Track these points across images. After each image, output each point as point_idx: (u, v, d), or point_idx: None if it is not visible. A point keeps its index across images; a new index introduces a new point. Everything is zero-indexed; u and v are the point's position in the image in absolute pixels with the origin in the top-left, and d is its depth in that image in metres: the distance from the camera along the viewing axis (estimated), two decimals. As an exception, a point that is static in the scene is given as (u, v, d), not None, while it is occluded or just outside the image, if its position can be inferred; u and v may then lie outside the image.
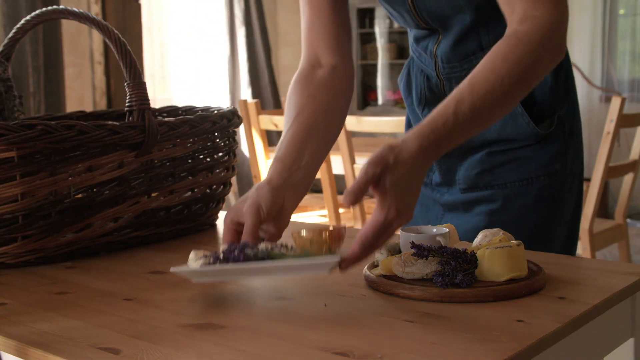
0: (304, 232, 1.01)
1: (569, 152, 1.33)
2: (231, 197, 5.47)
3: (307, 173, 1.17)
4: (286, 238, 1.03)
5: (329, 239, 0.97)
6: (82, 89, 4.59)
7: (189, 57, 5.26)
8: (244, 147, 5.41)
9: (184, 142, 1.36)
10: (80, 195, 1.24)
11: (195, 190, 1.41)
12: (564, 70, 1.32)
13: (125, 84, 1.27)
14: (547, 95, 1.30)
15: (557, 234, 1.35)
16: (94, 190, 1.25)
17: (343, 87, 1.30)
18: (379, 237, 0.95)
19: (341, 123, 1.29)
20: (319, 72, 1.29)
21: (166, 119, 1.31)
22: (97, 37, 4.67)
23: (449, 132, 0.98)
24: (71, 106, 4.46)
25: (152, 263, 1.24)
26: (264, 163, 3.63)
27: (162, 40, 5.16)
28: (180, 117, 1.34)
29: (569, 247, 1.39)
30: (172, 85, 5.16)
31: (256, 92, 5.61)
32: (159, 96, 5.10)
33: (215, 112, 1.46)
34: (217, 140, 1.44)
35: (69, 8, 1.31)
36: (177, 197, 1.38)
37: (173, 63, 5.17)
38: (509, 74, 1.02)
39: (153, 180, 1.32)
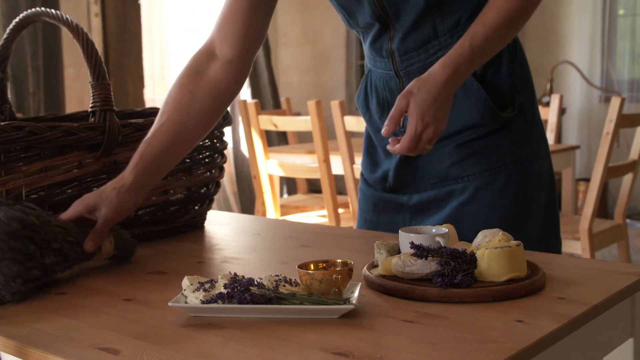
0: (311, 268, 1.00)
1: (532, 139, 1.37)
2: (231, 197, 5.47)
3: (160, 177, 1.30)
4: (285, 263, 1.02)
5: (340, 281, 0.95)
6: (82, 89, 4.59)
7: (188, 57, 5.26)
8: (243, 147, 5.41)
9: None
10: (34, 196, 1.24)
11: (171, 192, 1.41)
12: (518, 60, 1.36)
13: (90, 85, 1.27)
14: (506, 84, 1.34)
15: (529, 228, 1.37)
16: (50, 191, 1.25)
17: (230, 85, 1.35)
18: (413, 147, 1.18)
19: (213, 123, 1.36)
20: (212, 67, 1.35)
21: (132, 120, 1.31)
22: (96, 38, 4.67)
23: (466, 61, 1.19)
24: (71, 106, 4.46)
25: (151, 263, 1.24)
26: (264, 163, 3.63)
27: (161, 41, 5.16)
28: (151, 118, 1.34)
29: (550, 247, 1.40)
30: (171, 85, 5.15)
31: (256, 93, 5.61)
32: (158, 96, 5.10)
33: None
34: None
35: (45, 10, 1.34)
36: (146, 199, 1.36)
37: (173, 63, 5.17)
38: (513, 9, 1.20)
39: None
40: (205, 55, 1.36)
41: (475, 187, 1.35)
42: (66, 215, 1.20)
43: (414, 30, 1.33)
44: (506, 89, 1.34)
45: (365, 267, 1.09)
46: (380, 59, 1.40)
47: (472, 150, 1.35)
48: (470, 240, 1.18)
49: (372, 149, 1.51)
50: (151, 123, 1.32)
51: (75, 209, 1.20)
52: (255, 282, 0.95)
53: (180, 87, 1.34)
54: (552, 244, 1.42)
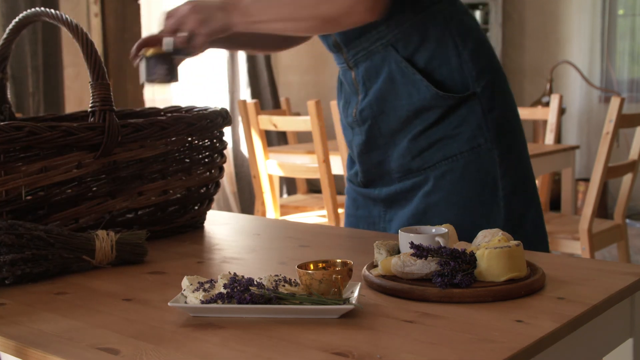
0: (311, 268, 1.00)
1: (490, 127, 1.38)
2: (231, 197, 5.47)
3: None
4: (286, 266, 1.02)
5: (339, 281, 0.95)
6: (81, 89, 4.59)
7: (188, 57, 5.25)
8: (243, 147, 5.41)
9: (153, 143, 1.36)
10: (30, 197, 1.23)
11: (170, 191, 1.41)
12: (471, 50, 1.38)
13: (90, 85, 1.27)
14: (455, 72, 1.37)
15: (497, 214, 1.38)
16: (50, 191, 1.25)
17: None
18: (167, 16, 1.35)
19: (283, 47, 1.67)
20: None
21: (132, 120, 1.31)
22: (95, 38, 4.67)
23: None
24: (70, 106, 4.46)
25: (151, 263, 1.24)
26: (263, 163, 3.63)
27: (161, 41, 5.15)
28: (151, 118, 1.34)
29: (530, 235, 1.41)
30: (171, 85, 5.14)
31: (255, 93, 5.61)
32: (158, 96, 5.09)
33: (195, 112, 1.45)
34: (196, 141, 1.44)
35: (44, 10, 1.33)
36: (145, 199, 1.37)
37: (172, 63, 5.17)
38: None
39: (117, 182, 1.32)
40: None
41: (435, 177, 1.39)
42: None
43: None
44: (456, 78, 1.37)
45: (364, 267, 1.10)
46: (335, 53, 1.48)
47: (428, 142, 1.39)
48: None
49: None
50: (151, 123, 1.32)
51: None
52: (255, 282, 0.95)
53: None
54: (534, 232, 1.43)
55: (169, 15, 1.37)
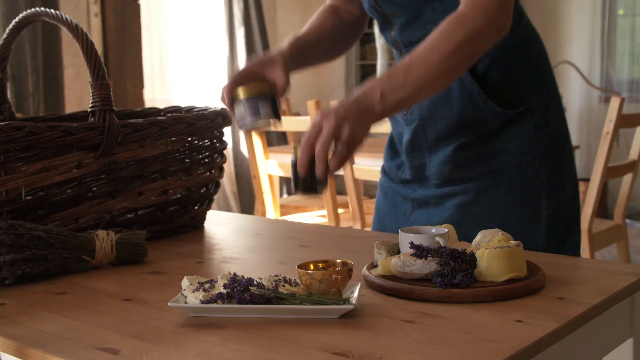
0: (311, 268, 1.00)
1: (540, 144, 1.34)
2: (230, 197, 5.47)
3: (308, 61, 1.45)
4: (285, 267, 1.03)
5: (339, 281, 0.95)
6: (81, 89, 4.59)
7: (188, 58, 5.26)
8: (243, 147, 5.41)
9: (153, 144, 1.35)
10: (30, 197, 1.23)
11: (170, 191, 1.41)
12: (531, 63, 1.35)
13: (89, 85, 1.27)
14: (514, 85, 1.33)
15: (536, 235, 1.34)
16: (50, 191, 1.25)
17: (356, 29, 1.56)
18: (313, 137, 1.15)
19: (344, 50, 1.56)
20: (341, 13, 1.53)
21: (132, 120, 1.31)
22: (95, 38, 4.67)
23: (383, 82, 1.17)
24: (70, 106, 4.46)
25: (151, 263, 1.24)
26: (263, 163, 3.63)
27: (161, 41, 5.15)
28: (151, 118, 1.34)
29: (566, 248, 1.38)
30: (171, 85, 5.15)
31: (255, 93, 5.60)
32: (158, 97, 5.09)
33: (195, 112, 1.45)
34: (196, 141, 1.44)
35: (44, 10, 1.33)
36: (145, 199, 1.37)
37: (172, 63, 5.17)
38: (443, 47, 1.17)
39: (117, 182, 1.32)
40: (335, 7, 1.53)
41: (477, 189, 1.34)
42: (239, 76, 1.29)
43: (413, 20, 1.34)
44: (513, 90, 1.32)
45: (364, 267, 1.09)
46: (395, 49, 1.43)
47: (474, 153, 1.34)
48: (470, 242, 1.18)
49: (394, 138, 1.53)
50: (151, 123, 1.32)
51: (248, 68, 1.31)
52: (255, 282, 0.95)
53: (322, 14, 1.52)
54: (571, 245, 1.39)
55: (315, 129, 1.16)
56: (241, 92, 1.27)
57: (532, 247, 1.29)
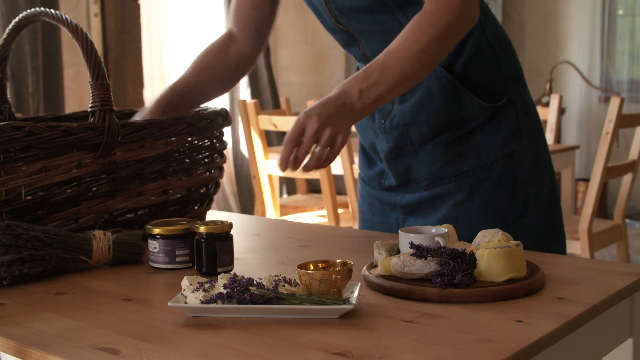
0: (311, 268, 1.00)
1: (523, 133, 1.37)
2: (230, 197, 5.47)
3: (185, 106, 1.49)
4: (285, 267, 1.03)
5: (339, 281, 0.95)
6: (81, 90, 4.59)
7: (188, 58, 5.26)
8: (243, 147, 5.41)
9: (153, 143, 1.35)
10: (29, 197, 1.23)
11: (170, 191, 1.41)
12: (505, 57, 1.37)
13: (89, 85, 1.27)
14: (493, 80, 1.35)
15: (527, 224, 1.36)
16: (50, 191, 1.25)
17: (244, 66, 1.58)
18: (295, 137, 1.17)
19: (224, 91, 1.63)
20: (232, 48, 1.55)
21: (132, 120, 1.31)
22: (95, 38, 4.67)
23: (360, 81, 1.19)
24: (70, 106, 4.46)
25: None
26: (263, 163, 3.63)
27: (161, 41, 5.15)
28: (151, 118, 1.34)
29: (552, 245, 1.40)
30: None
31: (255, 93, 5.61)
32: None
33: (195, 112, 1.45)
34: (196, 141, 1.44)
35: (44, 10, 1.33)
36: (145, 199, 1.37)
37: (172, 63, 5.17)
38: (416, 45, 1.19)
39: (117, 182, 1.32)
40: (226, 41, 1.56)
41: (470, 185, 1.35)
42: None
43: (379, 33, 1.34)
44: (493, 84, 1.35)
45: (364, 267, 1.10)
46: (361, 62, 1.43)
47: (462, 148, 1.35)
48: (469, 239, 1.18)
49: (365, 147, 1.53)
50: (151, 123, 1.32)
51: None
52: (255, 282, 0.95)
53: (205, 54, 1.56)
54: (554, 241, 1.41)
55: (297, 129, 1.18)
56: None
57: (523, 236, 1.30)
